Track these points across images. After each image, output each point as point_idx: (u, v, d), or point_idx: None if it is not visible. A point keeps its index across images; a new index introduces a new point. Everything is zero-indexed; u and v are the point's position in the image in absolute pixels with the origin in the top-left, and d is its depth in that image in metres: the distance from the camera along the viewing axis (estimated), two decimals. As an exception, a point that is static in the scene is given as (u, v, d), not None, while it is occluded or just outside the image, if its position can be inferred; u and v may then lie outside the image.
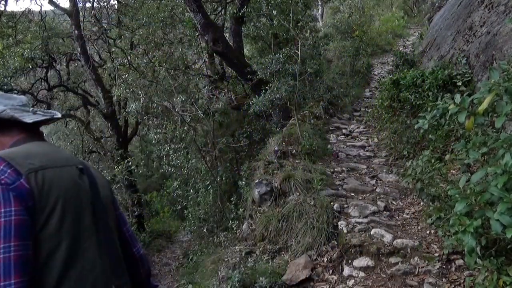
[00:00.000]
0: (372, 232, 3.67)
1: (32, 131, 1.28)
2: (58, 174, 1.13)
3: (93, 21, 12.25)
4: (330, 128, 7.44)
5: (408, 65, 7.96)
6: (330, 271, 3.52)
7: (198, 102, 8.38)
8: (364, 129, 7.31)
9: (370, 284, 3.20)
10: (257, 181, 4.87)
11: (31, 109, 1.30)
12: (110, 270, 1.16)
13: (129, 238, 1.38)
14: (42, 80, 12.53)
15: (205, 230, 7.02)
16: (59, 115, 1.36)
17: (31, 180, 1.05)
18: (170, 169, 7.63)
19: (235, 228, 5.81)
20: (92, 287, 1.08)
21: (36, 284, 1.00)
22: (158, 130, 7.88)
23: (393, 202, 4.42)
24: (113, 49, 11.88)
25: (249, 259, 4.19)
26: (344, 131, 7.28)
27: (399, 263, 3.27)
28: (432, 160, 3.31)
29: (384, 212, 4.14)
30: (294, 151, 5.62)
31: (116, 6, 13.01)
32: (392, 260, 3.32)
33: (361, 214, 4.07)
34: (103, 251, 1.16)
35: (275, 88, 5.93)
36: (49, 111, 1.38)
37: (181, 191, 7.89)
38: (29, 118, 1.24)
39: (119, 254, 1.25)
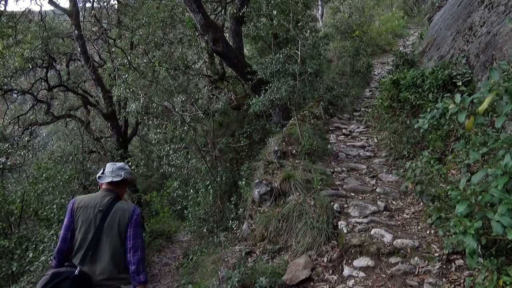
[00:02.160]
0: (372, 232, 3.67)
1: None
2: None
3: (93, 21, 12.25)
4: (330, 128, 7.43)
5: (408, 65, 7.96)
6: (330, 271, 3.52)
7: (198, 102, 8.38)
8: (364, 129, 7.30)
9: (370, 284, 3.20)
10: (257, 181, 4.86)
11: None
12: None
13: (128, 249, 2.44)
14: (42, 80, 12.55)
15: (205, 230, 7.02)
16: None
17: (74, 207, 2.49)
18: (170, 169, 7.63)
19: (235, 228, 5.81)
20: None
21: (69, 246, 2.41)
22: (158, 130, 7.88)
23: (393, 202, 4.41)
24: (113, 49, 11.90)
25: (249, 259, 4.19)
26: (344, 131, 7.27)
27: (399, 263, 3.26)
28: (432, 161, 3.31)
29: (384, 212, 4.13)
30: (294, 151, 5.62)
31: (116, 6, 13.02)
32: (392, 260, 3.32)
33: (361, 214, 4.07)
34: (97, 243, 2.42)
35: (275, 88, 5.93)
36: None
37: (181, 191, 7.88)
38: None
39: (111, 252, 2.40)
